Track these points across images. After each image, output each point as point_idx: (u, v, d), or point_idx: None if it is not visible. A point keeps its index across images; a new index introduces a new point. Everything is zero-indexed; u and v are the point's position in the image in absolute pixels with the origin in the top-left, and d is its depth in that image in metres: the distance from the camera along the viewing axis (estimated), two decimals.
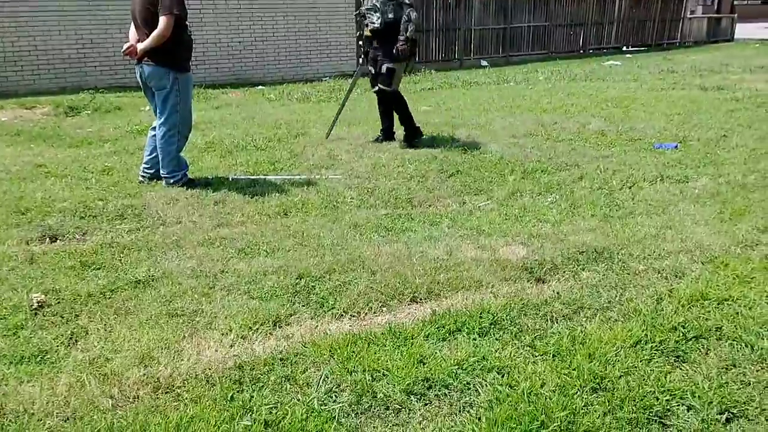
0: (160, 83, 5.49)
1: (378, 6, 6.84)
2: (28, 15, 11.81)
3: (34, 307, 3.45)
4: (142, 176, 5.84)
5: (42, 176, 5.96)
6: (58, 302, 3.54)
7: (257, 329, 3.26)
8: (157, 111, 5.63)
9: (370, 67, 7.26)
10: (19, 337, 3.17)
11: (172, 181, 5.66)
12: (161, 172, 5.72)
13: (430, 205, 5.42)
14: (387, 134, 7.46)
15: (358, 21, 7.29)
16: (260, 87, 13.28)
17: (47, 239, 4.46)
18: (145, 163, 5.85)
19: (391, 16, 6.80)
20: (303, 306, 3.52)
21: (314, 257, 4.15)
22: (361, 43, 7.43)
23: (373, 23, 6.89)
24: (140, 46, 5.42)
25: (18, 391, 2.73)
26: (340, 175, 6.08)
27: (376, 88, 7.25)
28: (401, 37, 6.78)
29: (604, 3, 21.17)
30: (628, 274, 3.89)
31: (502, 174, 6.20)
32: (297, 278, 3.83)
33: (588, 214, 5.05)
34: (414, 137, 7.27)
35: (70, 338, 3.18)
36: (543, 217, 5.00)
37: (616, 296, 3.60)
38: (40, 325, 3.30)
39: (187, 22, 5.57)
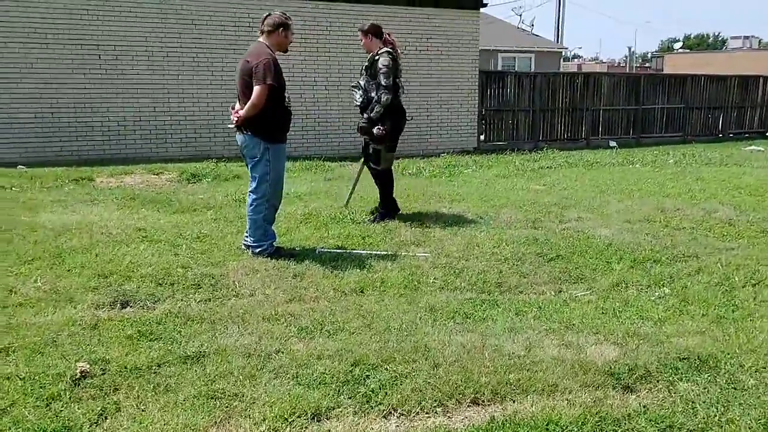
0: (252, 152, 5.50)
1: (362, 84, 6.74)
2: (165, 89, 12.54)
3: (76, 377, 3.34)
4: (245, 245, 5.78)
5: (138, 240, 6.05)
6: (103, 373, 3.42)
7: (292, 422, 2.97)
8: (249, 179, 5.63)
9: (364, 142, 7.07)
10: (50, 409, 3.05)
11: (257, 250, 5.58)
12: (248, 240, 5.66)
13: (521, 292, 5.00)
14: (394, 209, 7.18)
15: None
16: None
17: (118, 305, 4.42)
18: (246, 232, 5.82)
19: (372, 95, 6.61)
20: (349, 398, 3.20)
21: (377, 342, 3.84)
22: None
23: (356, 101, 6.78)
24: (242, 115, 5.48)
25: None
26: (429, 253, 5.77)
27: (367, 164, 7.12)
28: (364, 115, 6.62)
29: (747, 86, 19.95)
30: (735, 388, 3.30)
31: (609, 262, 5.67)
32: (352, 365, 3.53)
33: (699, 313, 4.44)
34: (384, 218, 6.92)
35: (100, 415, 3.02)
36: (646, 313, 4.45)
37: (715, 415, 3.03)
38: (76, 397, 3.17)
39: (286, 95, 5.58)
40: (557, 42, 35.77)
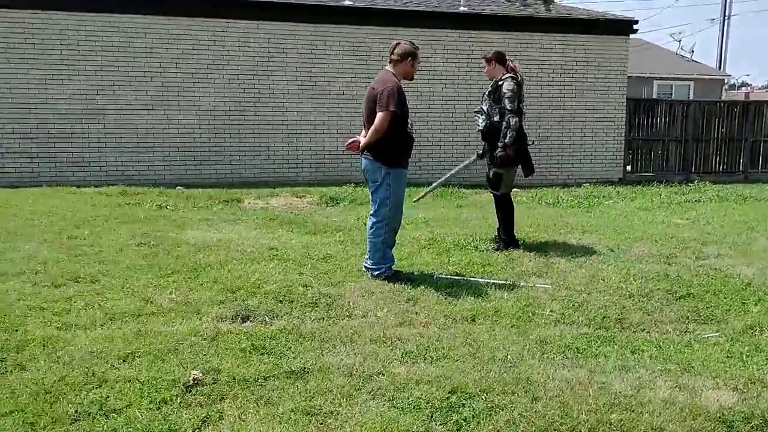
0: (373, 176, 5.67)
1: (485, 108, 6.74)
2: (312, 116, 13.12)
3: (189, 384, 3.57)
4: (365, 267, 5.94)
5: (268, 258, 6.37)
6: (214, 382, 3.63)
7: None
8: (371, 202, 5.80)
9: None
10: (160, 412, 3.28)
11: (376, 273, 5.70)
12: (368, 262, 5.80)
13: (643, 330, 4.76)
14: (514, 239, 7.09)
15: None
16: (515, 190, 13.16)
17: (239, 319, 4.67)
18: (367, 254, 5.97)
19: (496, 119, 6.63)
20: (440, 425, 3.20)
21: (478, 371, 3.81)
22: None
23: (479, 126, 6.81)
24: (362, 141, 5.67)
25: None
26: (549, 285, 5.63)
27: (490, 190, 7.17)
28: (500, 144, 6.59)
29: None
30: None
31: (745, 302, 5.29)
32: (449, 392, 3.53)
33: None
34: (508, 246, 6.85)
35: (203, 422, 3.21)
36: None
37: None
38: (185, 403, 3.39)
39: (409, 121, 5.70)
40: (720, 69, 33.77)
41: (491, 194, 7.22)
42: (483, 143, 6.99)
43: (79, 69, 11.83)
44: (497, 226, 7.18)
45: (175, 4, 12.26)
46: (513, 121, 6.54)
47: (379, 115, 5.48)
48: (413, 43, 5.86)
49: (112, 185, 11.21)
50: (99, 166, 12.06)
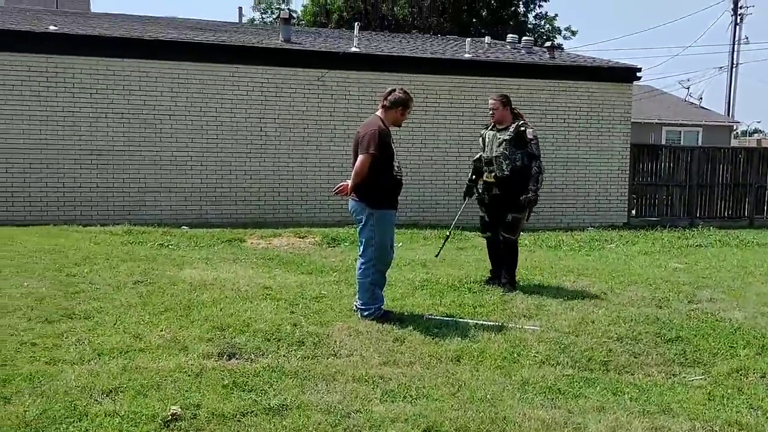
0: (359, 217, 5.80)
1: (507, 153, 6.81)
2: (318, 158, 13.31)
3: (168, 419, 3.62)
4: (355, 307, 5.99)
5: (261, 297, 6.43)
6: (193, 417, 3.68)
7: None
8: (358, 243, 5.89)
9: (481, 213, 7.23)
10: None
11: (365, 313, 5.75)
12: (357, 303, 5.86)
13: (628, 372, 4.78)
14: (497, 277, 7.22)
15: (476, 167, 7.29)
16: None
17: (225, 356, 4.73)
18: (357, 294, 6.03)
19: (519, 164, 6.79)
20: None
21: (456, 410, 3.84)
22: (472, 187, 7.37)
23: (503, 171, 6.84)
24: (350, 183, 5.80)
25: None
26: (538, 326, 5.66)
27: (488, 234, 7.23)
28: (532, 188, 6.77)
29: None
30: None
31: (733, 346, 5.29)
32: (424, 430, 3.57)
33: None
34: (512, 287, 6.96)
35: None
36: (757, 402, 4.10)
37: None
38: None
39: (395, 164, 5.79)
40: (728, 115, 33.92)
41: (484, 237, 7.35)
42: (475, 186, 7.23)
43: (86, 111, 12.09)
44: (490, 267, 7.30)
45: (184, 52, 12.60)
46: (542, 165, 6.86)
47: (360, 158, 5.64)
48: (407, 92, 5.91)
49: (118, 224, 11.37)
50: (106, 206, 12.23)
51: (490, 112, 7.04)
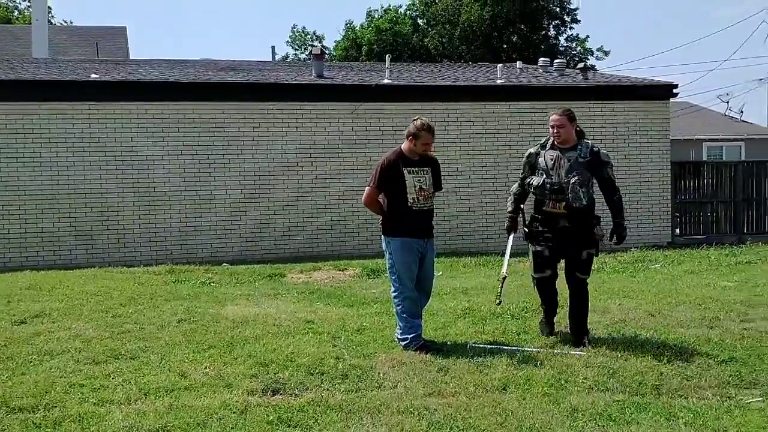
0: (382, 247, 6.05)
1: (582, 180, 5.80)
2: (354, 191, 13.37)
3: None
4: (397, 338, 5.97)
5: (303, 331, 6.43)
6: None
7: None
8: None
9: (539, 247, 5.99)
10: None
11: (403, 343, 5.74)
12: (397, 333, 5.86)
13: (681, 396, 4.64)
14: (551, 324, 6.21)
15: (518, 194, 6.20)
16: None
17: (270, 392, 4.72)
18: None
19: (592, 191, 5.93)
20: None
21: None
22: (523, 219, 6.21)
23: (581, 200, 5.77)
24: None
25: None
26: (584, 352, 5.54)
27: (547, 272, 6.07)
28: (622, 222, 5.98)
29: None
30: None
31: None
32: None
33: None
34: (588, 340, 5.84)
35: None
36: None
37: None
38: None
39: (408, 196, 5.78)
40: None
41: (537, 277, 6.12)
42: (518, 217, 6.18)
43: (127, 154, 12.38)
44: (544, 312, 6.21)
45: (219, 92, 12.87)
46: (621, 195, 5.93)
47: (366, 190, 6.01)
48: (422, 123, 5.84)
49: (161, 264, 11.53)
50: (149, 246, 12.45)
51: (554, 130, 5.86)
